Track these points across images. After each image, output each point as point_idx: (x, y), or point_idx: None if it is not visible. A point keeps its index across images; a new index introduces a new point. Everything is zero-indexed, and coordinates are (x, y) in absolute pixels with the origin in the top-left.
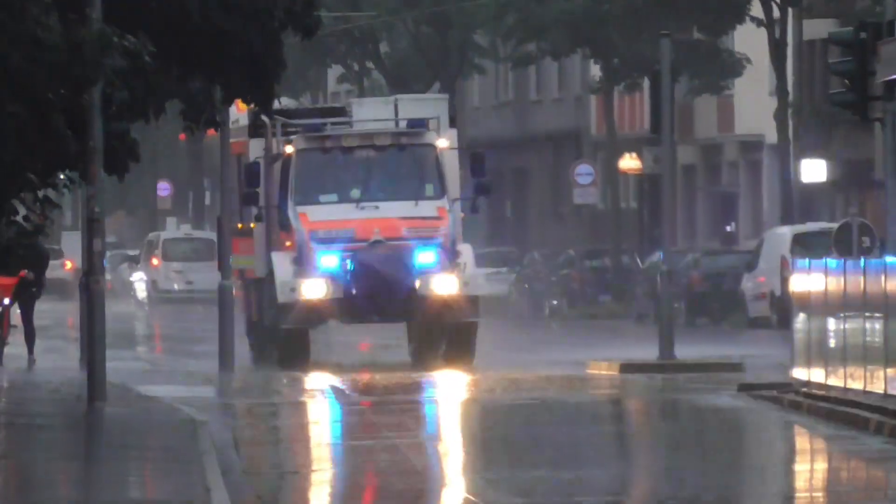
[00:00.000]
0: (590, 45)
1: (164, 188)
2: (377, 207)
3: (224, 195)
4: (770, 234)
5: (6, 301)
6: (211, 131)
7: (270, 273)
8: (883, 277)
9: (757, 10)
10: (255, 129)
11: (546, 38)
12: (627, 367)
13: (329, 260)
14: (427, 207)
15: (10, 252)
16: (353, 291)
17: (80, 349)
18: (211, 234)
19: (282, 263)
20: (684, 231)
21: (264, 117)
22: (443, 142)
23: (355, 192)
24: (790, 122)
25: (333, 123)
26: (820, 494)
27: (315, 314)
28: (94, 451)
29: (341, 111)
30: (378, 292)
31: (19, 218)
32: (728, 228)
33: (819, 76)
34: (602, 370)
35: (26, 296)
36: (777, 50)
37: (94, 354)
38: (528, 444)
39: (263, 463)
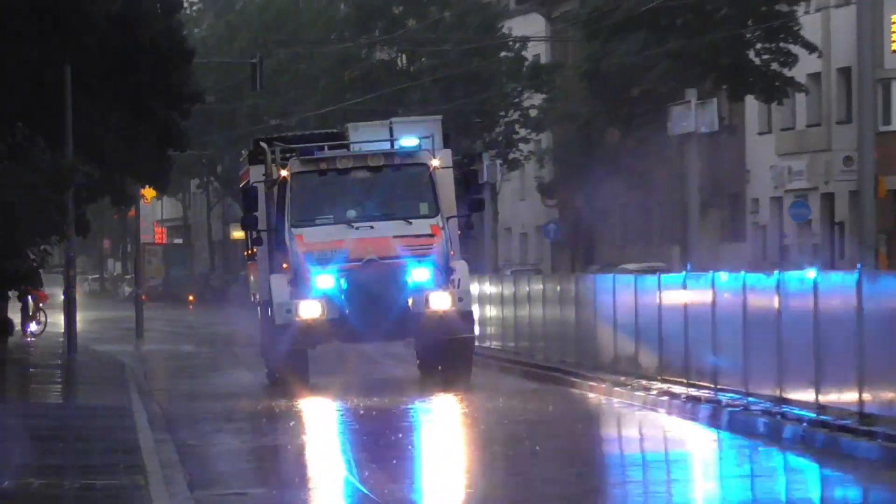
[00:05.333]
0: None
1: (106, 243)
2: (372, 227)
3: (138, 249)
4: None
5: (42, 304)
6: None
7: (270, 295)
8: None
9: None
10: (255, 156)
11: None
12: None
13: (324, 280)
14: (421, 226)
15: (34, 278)
16: (347, 311)
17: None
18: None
19: (279, 285)
20: None
21: (263, 143)
22: (436, 161)
23: (351, 213)
24: None
25: (330, 147)
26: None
27: (311, 335)
28: (70, 379)
29: (339, 136)
30: (371, 311)
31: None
32: None
33: None
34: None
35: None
36: None
37: (70, 329)
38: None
39: (163, 388)
